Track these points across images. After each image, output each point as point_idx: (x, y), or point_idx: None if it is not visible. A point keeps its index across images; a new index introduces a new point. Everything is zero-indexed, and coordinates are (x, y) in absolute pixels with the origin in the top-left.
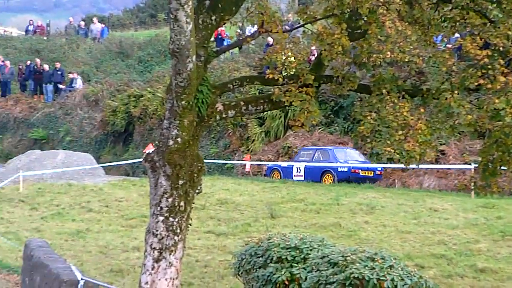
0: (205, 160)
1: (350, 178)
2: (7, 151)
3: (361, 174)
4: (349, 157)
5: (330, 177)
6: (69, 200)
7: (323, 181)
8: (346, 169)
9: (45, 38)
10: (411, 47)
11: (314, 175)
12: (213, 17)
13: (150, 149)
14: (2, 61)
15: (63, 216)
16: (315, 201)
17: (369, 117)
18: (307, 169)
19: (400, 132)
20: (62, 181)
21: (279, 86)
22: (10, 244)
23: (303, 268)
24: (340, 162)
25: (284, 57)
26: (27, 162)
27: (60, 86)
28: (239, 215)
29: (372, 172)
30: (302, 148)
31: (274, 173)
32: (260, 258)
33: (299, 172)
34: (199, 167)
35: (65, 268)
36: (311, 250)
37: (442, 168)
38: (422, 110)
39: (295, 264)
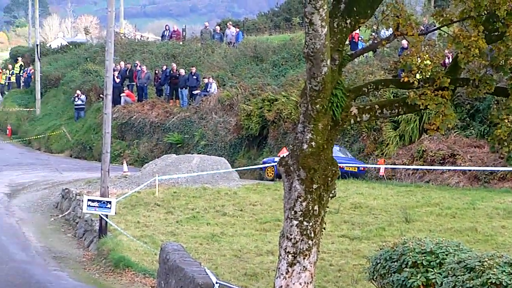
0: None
1: None
2: (143, 155)
3: (345, 169)
4: (338, 154)
5: None
6: (203, 204)
7: None
8: None
9: (181, 43)
10: None
11: None
12: (348, 21)
13: (284, 153)
14: (140, 67)
15: (198, 219)
16: (450, 205)
17: (506, 120)
18: None
19: None
20: (197, 185)
21: (414, 90)
22: (146, 247)
23: (439, 273)
24: None
25: (419, 60)
26: (163, 166)
27: (195, 91)
28: (373, 219)
29: (356, 168)
30: None
31: (268, 167)
32: (395, 263)
33: None
34: (333, 171)
35: (200, 271)
36: (447, 255)
37: None
38: None
39: (431, 269)
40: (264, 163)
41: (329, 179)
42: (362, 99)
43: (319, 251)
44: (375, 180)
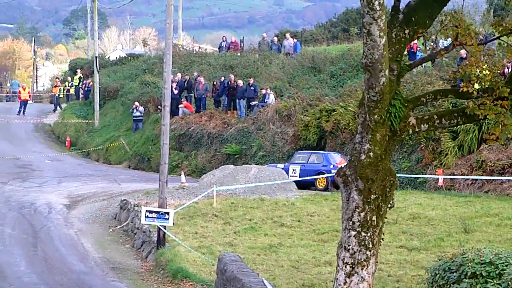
0: (397, 174)
1: None
2: (201, 166)
3: None
4: (343, 161)
5: (323, 178)
6: (261, 215)
7: (317, 181)
8: None
9: (238, 54)
10: None
11: (309, 176)
12: (407, 31)
13: (342, 163)
14: (198, 78)
15: (256, 230)
16: (510, 216)
17: None
18: (302, 170)
19: None
20: (254, 195)
21: (474, 99)
22: (204, 258)
23: (498, 284)
24: (333, 165)
25: (478, 70)
26: (221, 177)
27: (253, 102)
28: (431, 229)
29: None
30: (298, 152)
31: None
32: (454, 273)
33: (294, 173)
34: (392, 182)
35: (257, 282)
36: (506, 265)
37: None
38: None
39: (490, 280)
40: None
41: (387, 189)
42: (420, 109)
43: (377, 262)
44: (433, 191)
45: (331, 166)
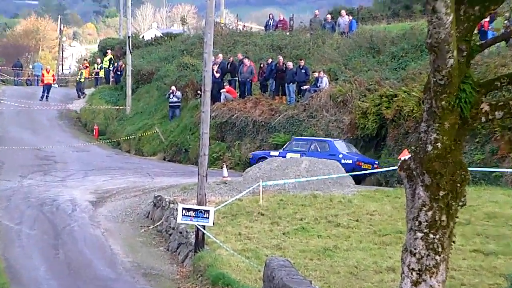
0: (469, 168)
1: (354, 170)
2: (245, 158)
3: (362, 166)
4: (349, 150)
5: None
6: (314, 214)
7: None
8: (351, 161)
9: (287, 33)
10: None
11: None
12: (476, 8)
13: (405, 155)
14: (243, 59)
15: (308, 231)
16: None
17: None
18: None
19: None
20: (306, 191)
21: None
22: (249, 263)
23: None
24: (343, 154)
25: None
26: (268, 171)
27: (304, 87)
28: (510, 231)
29: (370, 166)
30: (295, 138)
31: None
32: None
33: None
34: (463, 176)
35: None
36: None
37: None
38: None
39: None
40: (254, 156)
41: (458, 185)
42: (494, 94)
43: (448, 268)
44: (511, 186)
45: (340, 156)
